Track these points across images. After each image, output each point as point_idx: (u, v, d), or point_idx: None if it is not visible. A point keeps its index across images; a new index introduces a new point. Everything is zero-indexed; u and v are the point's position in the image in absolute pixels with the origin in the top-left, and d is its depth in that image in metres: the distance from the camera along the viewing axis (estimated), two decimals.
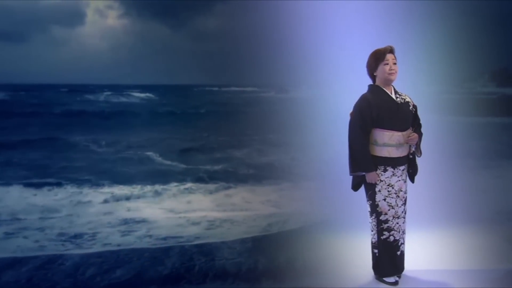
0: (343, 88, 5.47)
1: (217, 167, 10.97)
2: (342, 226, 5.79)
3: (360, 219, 5.68)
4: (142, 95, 46.25)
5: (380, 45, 3.57)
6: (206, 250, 5.07)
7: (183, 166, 11.28)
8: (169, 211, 7.26)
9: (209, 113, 28.27)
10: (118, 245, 5.27)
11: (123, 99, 40.49)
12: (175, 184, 9.01)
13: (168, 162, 11.79)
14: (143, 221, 6.56)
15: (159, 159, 12.29)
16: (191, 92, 56.91)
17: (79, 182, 8.66)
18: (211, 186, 9.00)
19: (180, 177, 9.76)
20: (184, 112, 29.05)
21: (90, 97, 40.85)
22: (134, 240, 5.52)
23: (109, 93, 45.51)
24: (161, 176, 9.83)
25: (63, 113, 25.92)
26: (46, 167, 10.21)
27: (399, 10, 6.12)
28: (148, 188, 8.64)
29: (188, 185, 9.06)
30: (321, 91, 6.77)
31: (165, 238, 5.70)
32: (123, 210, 7.17)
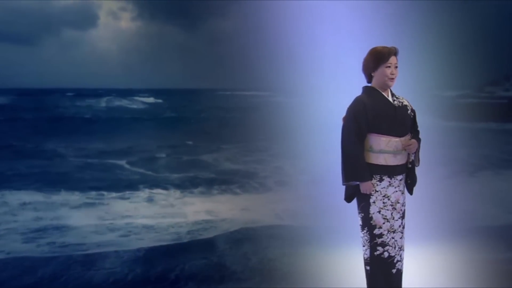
0: (334, 91, 5.30)
1: (176, 175, 10.95)
2: (274, 235, 5.79)
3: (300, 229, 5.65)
4: (148, 99, 46.52)
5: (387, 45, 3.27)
6: (91, 260, 5.06)
7: (142, 173, 11.30)
8: (98, 218, 7.25)
9: (207, 118, 28.28)
10: (8, 253, 5.29)
11: (125, 104, 40.67)
12: (123, 191, 9.04)
13: (129, 169, 11.80)
14: (62, 227, 6.59)
15: (123, 166, 12.28)
16: (201, 96, 56.88)
17: (21, 190, 8.73)
18: (158, 193, 9.02)
19: (133, 184, 9.79)
20: (181, 117, 29.13)
21: (92, 101, 41.20)
22: (29, 248, 5.54)
23: (112, 97, 45.83)
24: (114, 183, 9.86)
25: (50, 119, 26.19)
26: None
27: (414, 11, 6.00)
28: (92, 194, 8.69)
29: (136, 192, 9.09)
30: (314, 95, 6.62)
31: (66, 246, 5.71)
32: (51, 217, 7.18)
